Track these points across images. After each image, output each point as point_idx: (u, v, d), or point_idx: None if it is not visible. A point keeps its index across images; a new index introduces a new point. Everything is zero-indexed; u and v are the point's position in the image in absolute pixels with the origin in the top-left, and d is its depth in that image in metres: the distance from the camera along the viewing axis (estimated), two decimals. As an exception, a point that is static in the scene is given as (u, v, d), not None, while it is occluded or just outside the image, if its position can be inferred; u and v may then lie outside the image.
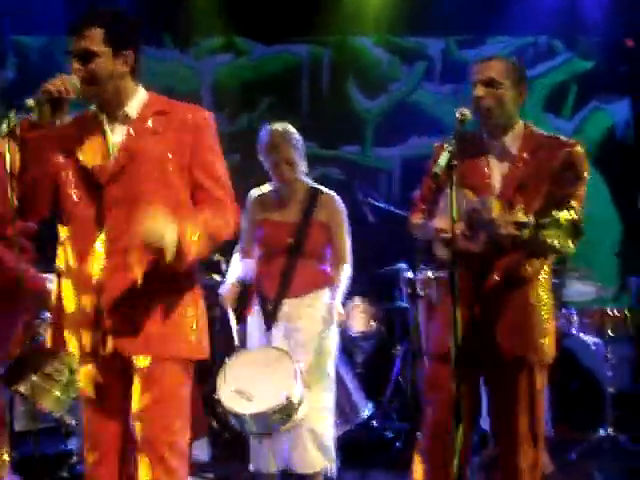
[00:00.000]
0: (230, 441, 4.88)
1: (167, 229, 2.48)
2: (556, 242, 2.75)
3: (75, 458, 4.38)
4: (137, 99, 2.76)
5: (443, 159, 2.70)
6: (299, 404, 3.54)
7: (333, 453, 3.96)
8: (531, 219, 2.78)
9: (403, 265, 5.18)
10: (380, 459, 4.50)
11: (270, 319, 3.97)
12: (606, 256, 6.47)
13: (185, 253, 2.52)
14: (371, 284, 5.55)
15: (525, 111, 6.84)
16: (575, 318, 4.59)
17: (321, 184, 4.15)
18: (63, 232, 2.74)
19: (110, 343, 2.63)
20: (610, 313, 4.48)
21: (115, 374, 2.71)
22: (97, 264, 2.65)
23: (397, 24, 6.86)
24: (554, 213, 2.76)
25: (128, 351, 2.64)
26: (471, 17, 6.74)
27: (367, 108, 7.13)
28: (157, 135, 2.70)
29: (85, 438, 2.82)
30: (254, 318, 4.07)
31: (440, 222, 2.98)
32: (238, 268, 4.12)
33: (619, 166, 6.74)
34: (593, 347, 4.68)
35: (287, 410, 3.49)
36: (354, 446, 4.55)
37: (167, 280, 2.63)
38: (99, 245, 2.65)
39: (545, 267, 3.11)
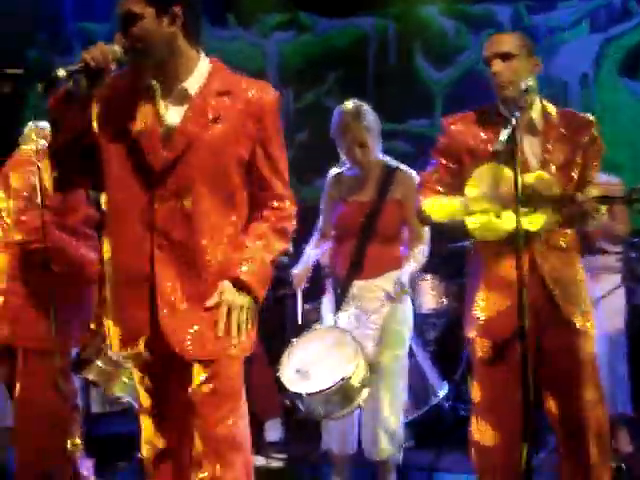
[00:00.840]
0: (302, 422, 4.87)
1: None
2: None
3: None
4: (198, 72, 2.50)
5: (505, 133, 2.63)
6: (361, 387, 3.48)
7: (401, 440, 3.89)
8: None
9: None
10: (454, 439, 4.42)
11: (340, 301, 3.91)
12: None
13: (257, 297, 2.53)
14: (442, 260, 5.43)
15: (601, 74, 6.69)
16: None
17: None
18: (108, 218, 2.59)
19: (163, 341, 2.50)
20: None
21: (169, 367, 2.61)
22: (145, 256, 2.48)
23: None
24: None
25: (180, 348, 2.50)
26: (539, -20, 6.51)
27: (435, 79, 6.97)
28: (218, 122, 2.47)
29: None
30: (327, 300, 4.02)
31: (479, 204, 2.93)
32: (314, 248, 4.04)
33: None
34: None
35: (346, 392, 3.44)
36: (428, 426, 4.49)
37: (220, 274, 2.51)
38: (147, 236, 2.47)
39: (577, 238, 3.09)
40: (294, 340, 3.70)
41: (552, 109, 3.07)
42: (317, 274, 4.19)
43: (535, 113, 3.03)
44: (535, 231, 2.89)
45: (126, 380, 3.49)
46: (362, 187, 3.92)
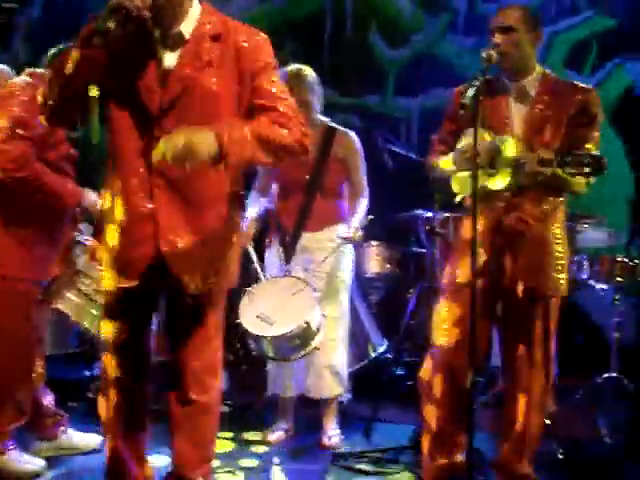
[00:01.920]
0: (247, 372, 5.05)
1: (182, 136, 2.39)
2: (575, 179, 2.99)
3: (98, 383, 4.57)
4: (192, 15, 2.62)
5: (470, 91, 2.85)
6: (317, 331, 3.70)
7: (345, 381, 4.14)
8: (553, 156, 2.95)
9: (420, 211, 5.31)
10: (391, 394, 4.67)
11: (289, 252, 4.13)
12: (618, 207, 6.55)
13: (225, 152, 2.43)
14: (388, 229, 5.66)
15: (546, 66, 6.98)
16: (586, 264, 4.69)
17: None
18: (112, 159, 2.72)
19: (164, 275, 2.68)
20: (620, 260, 4.58)
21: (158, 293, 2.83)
22: (146, 195, 2.63)
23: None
24: (574, 152, 2.96)
25: (180, 281, 2.68)
26: (494, -32, 6.71)
27: (389, 58, 7.15)
28: (211, 67, 2.59)
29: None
30: (272, 251, 4.23)
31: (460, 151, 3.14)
32: (255, 205, 4.21)
33: (637, 122, 6.80)
34: (601, 293, 4.80)
35: (305, 335, 3.65)
36: (366, 380, 4.71)
37: (215, 210, 2.70)
38: (147, 177, 2.61)
39: (561, 206, 3.26)
40: (251, 289, 3.88)
41: (551, 79, 3.29)
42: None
43: (529, 82, 3.26)
44: (498, 190, 3.12)
45: (95, 313, 3.60)
46: None
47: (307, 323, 3.61)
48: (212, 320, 2.80)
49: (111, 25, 2.35)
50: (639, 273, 4.57)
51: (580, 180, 3.04)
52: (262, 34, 2.74)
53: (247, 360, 5.00)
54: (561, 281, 3.24)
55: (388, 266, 5.45)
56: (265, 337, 3.64)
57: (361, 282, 5.09)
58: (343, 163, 4.15)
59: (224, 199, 2.73)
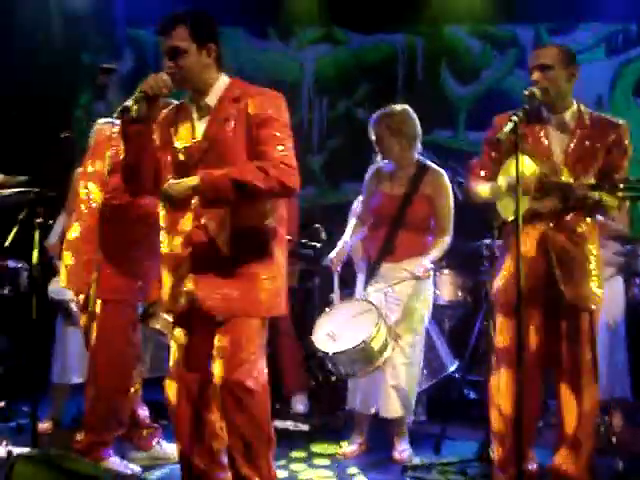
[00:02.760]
0: (327, 392, 5.37)
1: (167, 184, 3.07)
2: (610, 203, 3.35)
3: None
4: (217, 88, 3.18)
5: (508, 126, 3.14)
6: (380, 351, 3.99)
7: (412, 404, 4.38)
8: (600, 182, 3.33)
9: (487, 240, 5.53)
10: (460, 412, 4.92)
11: (369, 279, 4.43)
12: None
13: (201, 190, 2.97)
14: (460, 257, 5.88)
15: (615, 95, 7.07)
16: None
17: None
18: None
19: (197, 303, 3.14)
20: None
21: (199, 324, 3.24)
22: (185, 235, 3.15)
23: (488, 12, 7.15)
24: (617, 179, 3.35)
25: (209, 309, 3.14)
26: (561, 4, 6.93)
27: (460, 94, 7.43)
28: (229, 121, 3.11)
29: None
30: (360, 279, 4.56)
31: (503, 180, 3.43)
32: (351, 234, 4.57)
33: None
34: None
35: (367, 353, 3.96)
36: (437, 399, 5.00)
37: (243, 249, 3.13)
38: (187, 218, 3.14)
39: (596, 227, 3.57)
40: (327, 309, 4.25)
41: (587, 112, 3.59)
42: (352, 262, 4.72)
43: (568, 115, 3.57)
44: (546, 213, 3.42)
45: None
46: (397, 181, 4.45)
47: (364, 342, 3.92)
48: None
49: (135, 107, 2.97)
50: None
51: (614, 204, 3.31)
52: (275, 93, 3.21)
53: (326, 381, 5.32)
54: (598, 295, 3.51)
55: (460, 294, 5.68)
56: (327, 353, 3.98)
57: (435, 309, 5.33)
58: (430, 200, 4.41)
59: (249, 233, 3.16)
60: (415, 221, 4.40)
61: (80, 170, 4.17)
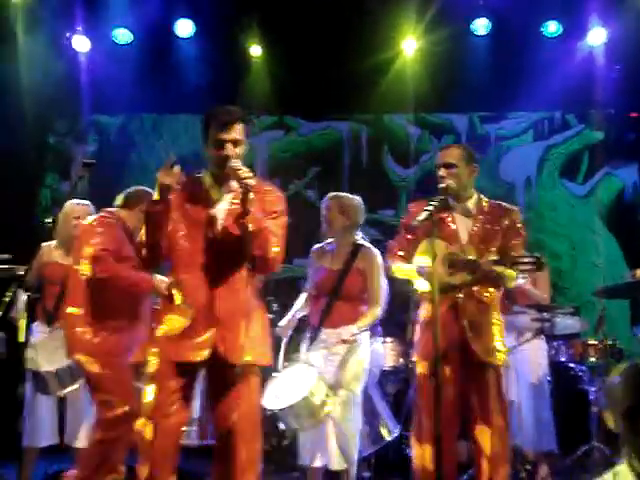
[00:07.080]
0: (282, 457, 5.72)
1: None
2: (511, 276, 3.94)
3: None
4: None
5: (424, 215, 3.66)
6: (321, 405, 4.44)
7: (353, 459, 4.72)
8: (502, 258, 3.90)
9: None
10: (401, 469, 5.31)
11: (311, 343, 4.90)
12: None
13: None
14: (401, 327, 6.32)
15: (543, 176, 7.66)
16: (563, 348, 5.43)
17: (360, 243, 5.04)
18: (177, 273, 3.61)
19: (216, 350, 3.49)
20: (592, 343, 5.30)
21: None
22: (207, 292, 3.50)
23: (427, 103, 7.71)
24: (518, 255, 3.93)
25: (228, 356, 3.48)
26: (492, 95, 7.53)
27: (401, 177, 8.00)
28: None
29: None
30: (304, 344, 4.98)
31: (421, 262, 3.95)
32: (299, 306, 5.08)
33: (628, 225, 7.49)
34: (580, 373, 5.48)
35: (309, 407, 4.42)
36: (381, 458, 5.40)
37: (253, 301, 3.55)
38: (209, 280, 3.51)
39: (497, 294, 4.11)
40: (274, 374, 4.66)
41: (485, 201, 4.16)
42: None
43: (471, 203, 4.13)
44: (456, 285, 3.94)
45: None
46: (335, 258, 4.96)
47: (305, 397, 4.39)
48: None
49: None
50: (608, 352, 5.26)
51: (513, 276, 3.85)
52: (279, 193, 3.76)
53: (279, 443, 5.69)
54: (501, 354, 4.03)
55: (402, 360, 6.09)
56: (273, 410, 4.43)
57: (379, 374, 5.75)
58: (363, 274, 4.89)
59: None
60: (351, 293, 4.87)
61: (45, 245, 4.57)
